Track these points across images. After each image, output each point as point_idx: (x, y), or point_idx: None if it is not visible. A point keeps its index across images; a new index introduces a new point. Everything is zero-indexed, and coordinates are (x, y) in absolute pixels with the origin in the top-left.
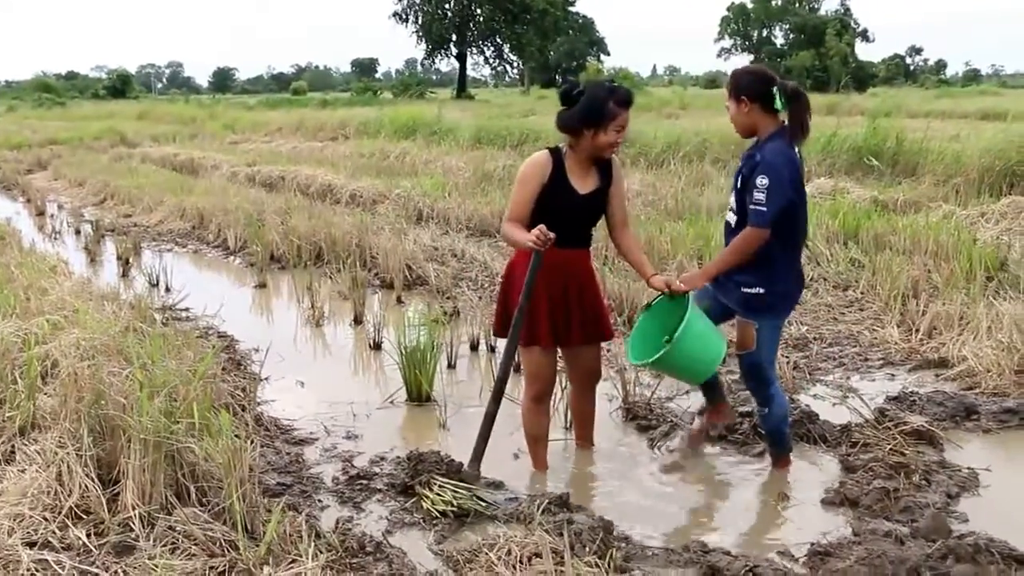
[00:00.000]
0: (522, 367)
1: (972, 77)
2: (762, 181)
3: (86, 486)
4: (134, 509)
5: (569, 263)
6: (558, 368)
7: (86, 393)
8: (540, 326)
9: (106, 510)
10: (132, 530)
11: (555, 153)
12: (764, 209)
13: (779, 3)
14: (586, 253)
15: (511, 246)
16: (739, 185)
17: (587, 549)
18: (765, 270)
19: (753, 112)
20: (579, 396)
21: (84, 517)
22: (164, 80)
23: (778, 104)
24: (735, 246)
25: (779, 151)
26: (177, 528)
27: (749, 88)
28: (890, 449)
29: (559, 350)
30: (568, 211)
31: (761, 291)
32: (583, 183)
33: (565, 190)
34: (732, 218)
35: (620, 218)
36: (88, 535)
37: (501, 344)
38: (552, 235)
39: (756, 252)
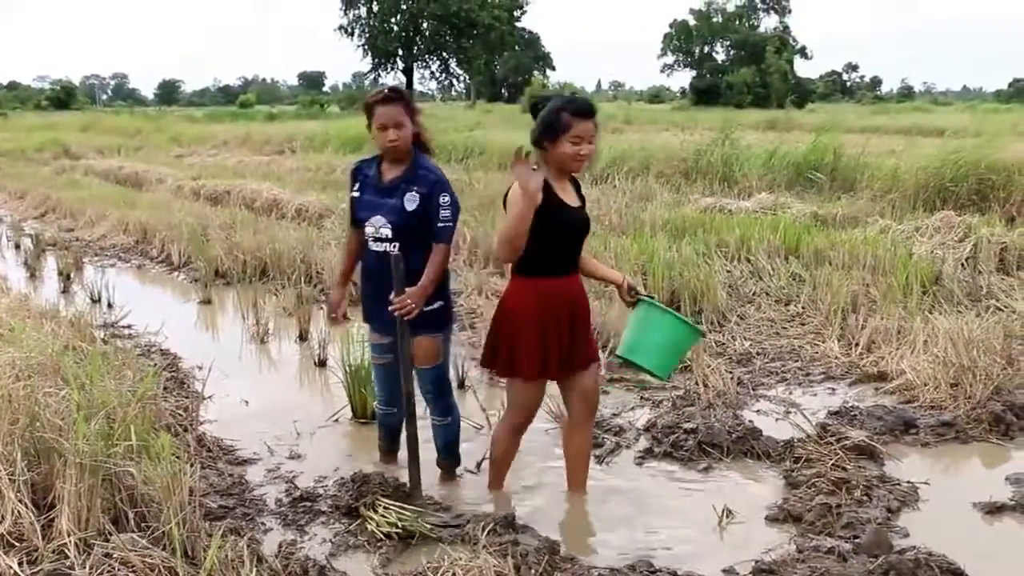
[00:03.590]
0: (507, 395)
1: (906, 94)
2: (445, 199)
3: (19, 512)
4: (69, 535)
5: (572, 291)
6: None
7: (20, 415)
8: (525, 359)
9: (40, 537)
10: (67, 557)
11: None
12: (452, 224)
13: (720, 20)
14: (579, 276)
15: (515, 237)
16: (411, 207)
17: (533, 572)
18: (440, 285)
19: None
20: (574, 430)
21: (16, 544)
22: (109, 91)
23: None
24: (438, 265)
25: (437, 167)
26: (114, 555)
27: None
28: (832, 464)
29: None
30: (567, 228)
31: (441, 304)
32: (568, 197)
33: (559, 206)
34: (392, 247)
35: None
36: (20, 563)
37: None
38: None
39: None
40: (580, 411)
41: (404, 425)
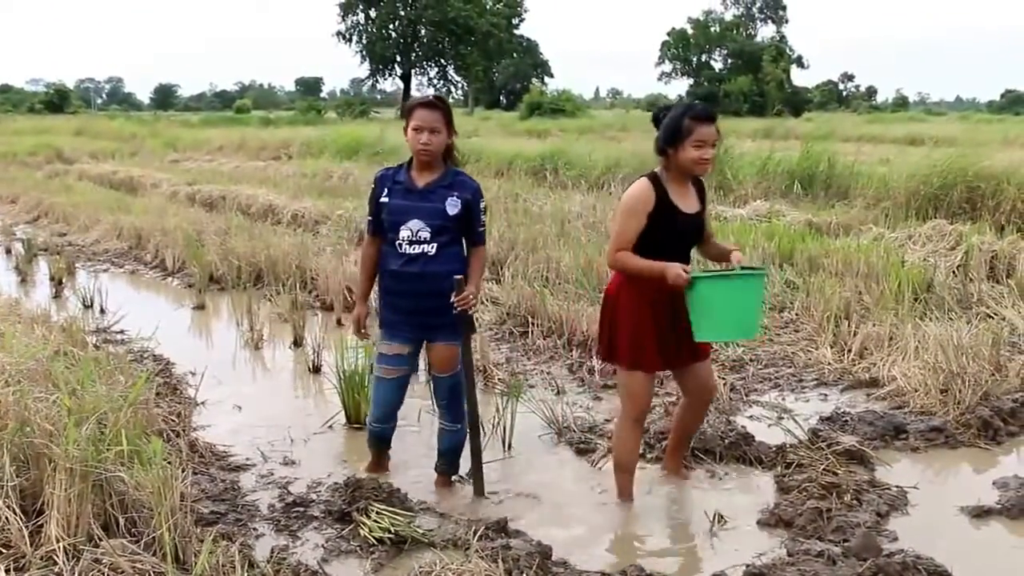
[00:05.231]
0: (621, 390)
1: (901, 104)
2: (482, 205)
3: (6, 518)
4: (58, 542)
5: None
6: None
7: (9, 420)
8: (647, 352)
9: (28, 543)
10: (56, 564)
11: (655, 179)
12: (485, 228)
13: (717, 29)
14: None
15: (633, 275)
16: (453, 211)
17: None
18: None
19: None
20: (690, 413)
21: (3, 551)
22: (104, 95)
23: None
24: (482, 267)
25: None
26: (104, 560)
27: None
28: (823, 469)
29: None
30: (677, 233)
31: (463, 308)
32: (685, 203)
33: (672, 212)
34: (430, 248)
35: (708, 232)
36: (8, 570)
37: None
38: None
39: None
40: (696, 400)
41: (469, 438)
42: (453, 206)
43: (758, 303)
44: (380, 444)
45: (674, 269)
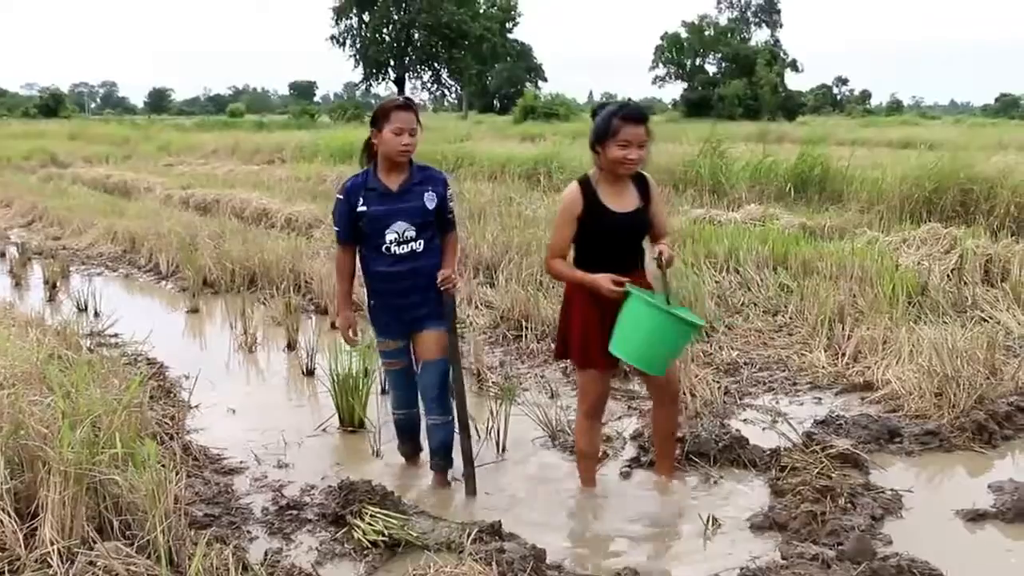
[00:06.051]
0: (577, 384)
1: (895, 108)
2: (451, 193)
3: (1, 521)
4: (52, 544)
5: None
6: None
7: (4, 423)
8: (594, 352)
9: (22, 546)
10: (50, 566)
11: (584, 182)
12: (454, 215)
13: (712, 33)
14: (638, 273)
15: (562, 281)
16: (431, 205)
17: None
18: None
19: None
20: (659, 411)
21: None
22: (98, 100)
23: None
24: (456, 249)
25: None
26: (98, 563)
27: None
28: (817, 473)
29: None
30: (608, 232)
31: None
32: (619, 203)
33: (601, 213)
34: (418, 245)
35: (660, 231)
36: (2, 572)
37: None
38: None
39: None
40: (659, 397)
41: (459, 438)
42: (431, 200)
43: (676, 347)
44: (408, 437)
45: (605, 284)
